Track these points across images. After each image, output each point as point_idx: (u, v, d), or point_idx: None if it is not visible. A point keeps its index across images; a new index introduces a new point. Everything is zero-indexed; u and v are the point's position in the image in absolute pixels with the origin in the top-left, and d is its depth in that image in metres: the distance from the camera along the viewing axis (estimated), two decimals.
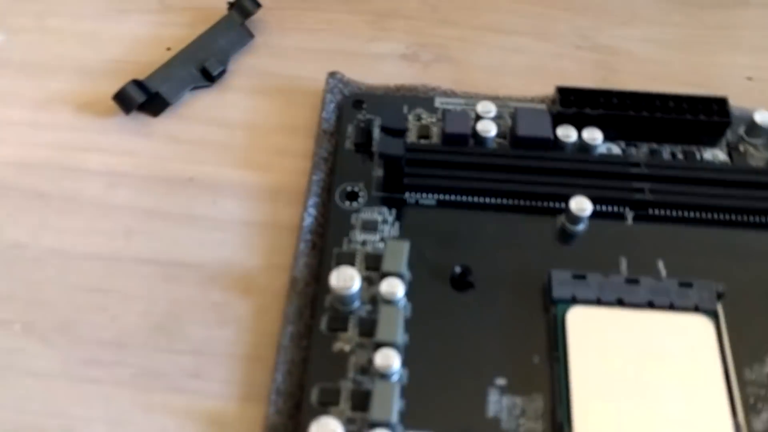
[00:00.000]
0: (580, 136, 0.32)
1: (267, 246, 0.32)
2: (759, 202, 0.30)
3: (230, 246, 0.32)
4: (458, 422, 0.25)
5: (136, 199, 0.34)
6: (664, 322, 0.27)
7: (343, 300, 0.28)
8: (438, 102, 0.35)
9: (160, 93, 0.36)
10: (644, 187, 0.31)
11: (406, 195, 0.32)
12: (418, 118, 0.34)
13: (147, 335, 0.30)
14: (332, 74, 0.36)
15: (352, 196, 0.32)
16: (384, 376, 0.26)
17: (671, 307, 0.27)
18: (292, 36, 0.40)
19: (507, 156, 0.32)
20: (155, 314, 0.30)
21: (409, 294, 0.28)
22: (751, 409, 0.25)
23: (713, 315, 0.27)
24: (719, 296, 0.27)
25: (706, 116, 0.32)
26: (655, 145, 0.33)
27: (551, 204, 0.31)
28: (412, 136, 0.34)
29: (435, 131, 0.34)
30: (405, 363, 0.27)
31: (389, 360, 0.26)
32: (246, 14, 0.39)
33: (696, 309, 0.27)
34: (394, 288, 0.27)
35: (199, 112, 0.37)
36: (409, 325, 0.28)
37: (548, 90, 0.37)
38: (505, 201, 0.31)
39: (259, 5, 0.39)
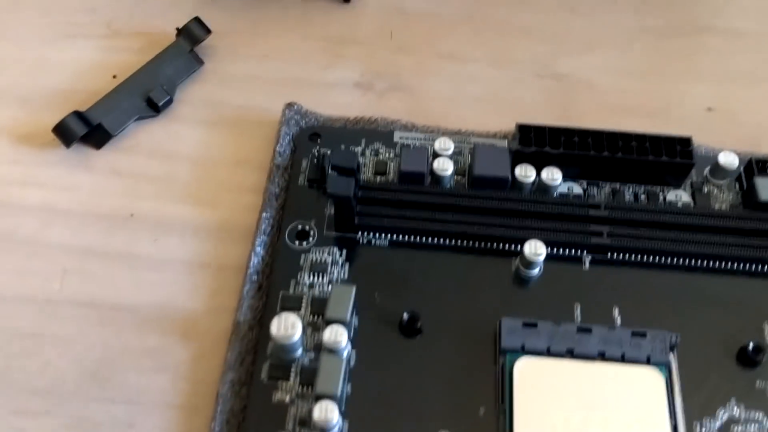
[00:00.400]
0: (539, 175, 0.31)
1: (210, 287, 0.31)
2: (719, 248, 0.29)
3: (171, 287, 0.31)
4: None
5: (74, 238, 0.32)
6: (614, 374, 0.26)
7: (285, 348, 0.27)
8: (397, 136, 0.34)
9: (103, 125, 0.35)
10: (603, 231, 0.30)
11: (358, 235, 0.30)
12: (376, 153, 0.33)
13: (80, 383, 0.28)
14: (289, 105, 0.35)
15: (303, 235, 0.30)
16: (323, 429, 0.25)
17: (622, 358, 0.26)
18: (243, 62, 0.39)
19: (463, 196, 0.31)
20: (89, 360, 0.29)
21: (354, 341, 0.27)
22: None
23: (665, 367, 0.26)
24: (673, 347, 0.27)
25: (669, 157, 0.31)
26: (617, 185, 0.32)
27: (507, 246, 0.30)
28: (368, 172, 0.33)
29: (392, 167, 0.33)
30: (346, 415, 0.25)
31: (328, 414, 0.25)
32: (195, 41, 0.38)
33: (648, 361, 0.26)
34: (337, 336, 0.26)
35: (143, 144, 0.35)
36: (353, 374, 0.27)
37: (507, 120, 0.36)
38: (459, 243, 0.30)
39: (208, 31, 0.38)
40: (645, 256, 0.30)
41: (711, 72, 0.38)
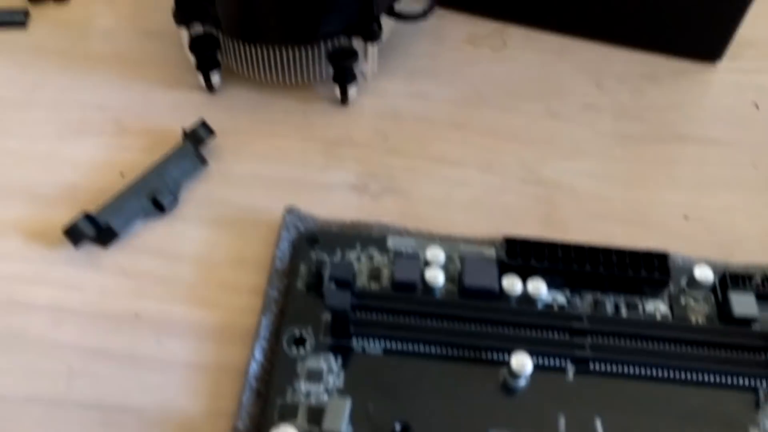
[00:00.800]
0: (525, 286, 0.33)
1: (210, 391, 0.32)
2: (697, 361, 0.31)
3: (173, 390, 0.32)
4: None
5: (81, 338, 0.34)
6: None
7: None
8: (390, 242, 0.36)
9: (111, 225, 0.36)
10: (585, 343, 0.32)
11: (353, 342, 0.32)
12: (371, 259, 0.35)
13: None
14: (289, 210, 0.37)
15: (300, 342, 0.32)
16: None
17: None
18: (245, 163, 0.41)
19: (453, 306, 0.33)
20: None
21: None
22: None
23: None
24: None
25: (648, 272, 0.33)
26: (599, 295, 0.34)
27: (495, 356, 0.32)
28: (363, 278, 0.34)
29: (386, 273, 0.35)
30: None
31: None
32: (200, 142, 0.40)
33: None
34: None
35: (149, 244, 0.37)
36: None
37: (494, 225, 0.38)
38: (450, 351, 0.32)
39: (212, 133, 0.40)
40: (626, 368, 0.31)
41: (687, 179, 0.41)
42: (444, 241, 0.36)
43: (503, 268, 0.34)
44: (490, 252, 0.36)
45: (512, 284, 0.33)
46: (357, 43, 0.41)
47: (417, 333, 0.32)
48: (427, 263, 0.34)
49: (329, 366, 0.31)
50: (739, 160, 0.42)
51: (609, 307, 0.34)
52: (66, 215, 0.37)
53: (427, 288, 0.34)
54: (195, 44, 0.41)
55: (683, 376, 0.32)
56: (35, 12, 0.48)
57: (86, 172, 0.40)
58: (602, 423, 0.30)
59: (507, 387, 0.31)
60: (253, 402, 0.31)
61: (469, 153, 0.42)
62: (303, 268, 0.34)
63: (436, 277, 0.33)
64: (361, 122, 0.43)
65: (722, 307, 0.34)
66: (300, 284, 0.34)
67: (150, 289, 0.35)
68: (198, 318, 0.35)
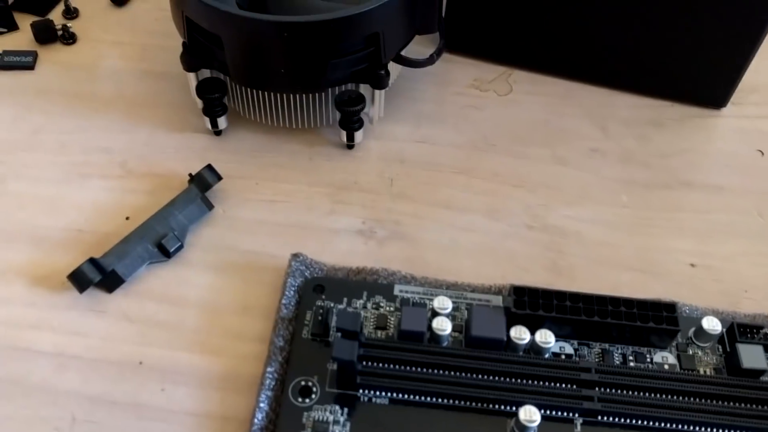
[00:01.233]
0: (533, 335, 0.33)
1: None
2: (705, 414, 0.31)
3: None
4: None
5: (84, 385, 0.33)
6: None
7: None
8: (397, 290, 0.35)
9: (116, 271, 0.36)
10: (594, 396, 0.31)
11: (360, 392, 0.32)
12: (377, 307, 0.35)
13: None
14: (295, 256, 0.37)
15: (306, 392, 0.32)
16: None
17: None
18: (251, 207, 0.41)
19: (461, 356, 0.32)
20: None
21: None
22: None
23: None
24: None
25: (656, 323, 0.33)
26: (606, 345, 0.34)
27: (502, 407, 0.31)
28: (369, 326, 0.34)
29: (392, 321, 0.34)
30: None
31: None
32: (206, 187, 0.40)
33: None
34: None
35: (153, 289, 0.37)
36: None
37: (500, 272, 0.38)
38: (457, 402, 0.32)
39: (219, 178, 0.40)
40: (634, 420, 0.31)
41: (693, 227, 0.41)
42: (451, 288, 0.36)
43: (511, 318, 0.34)
44: (497, 300, 0.35)
45: (520, 334, 0.33)
46: (364, 89, 0.41)
47: (424, 383, 0.32)
48: (434, 312, 0.34)
49: (335, 416, 0.31)
50: (745, 207, 0.42)
51: (617, 358, 0.34)
52: (70, 259, 0.37)
53: (434, 337, 0.33)
54: (202, 88, 0.41)
55: (692, 428, 0.31)
56: (43, 53, 0.48)
57: (91, 216, 0.40)
58: None
59: None
60: None
61: (475, 198, 0.41)
62: (309, 316, 0.34)
63: (444, 326, 0.33)
64: (367, 166, 0.43)
65: (730, 358, 0.34)
66: (306, 333, 0.34)
67: (154, 336, 0.35)
68: (203, 366, 0.34)
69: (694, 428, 0.31)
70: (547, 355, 0.34)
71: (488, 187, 0.42)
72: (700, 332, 0.34)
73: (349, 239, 0.39)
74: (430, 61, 0.43)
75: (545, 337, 0.33)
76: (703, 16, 0.42)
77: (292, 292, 0.35)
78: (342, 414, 0.31)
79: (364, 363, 0.32)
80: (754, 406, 0.32)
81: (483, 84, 0.47)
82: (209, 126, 0.43)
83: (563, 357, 0.34)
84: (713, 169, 0.43)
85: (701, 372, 0.34)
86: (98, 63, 0.48)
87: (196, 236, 0.39)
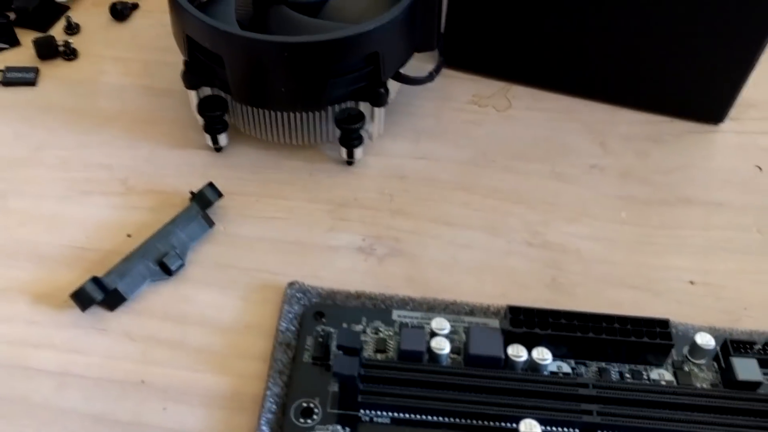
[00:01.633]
0: (530, 353, 0.33)
1: None
2: (704, 426, 0.31)
3: None
4: None
5: (86, 404, 0.34)
6: None
7: None
8: (395, 314, 0.36)
9: (118, 289, 0.36)
10: (592, 410, 0.32)
11: (361, 412, 0.32)
12: (376, 332, 0.35)
13: None
14: (291, 285, 0.37)
15: (307, 413, 0.32)
16: None
17: None
18: (251, 224, 0.41)
19: (460, 375, 0.32)
20: None
21: None
22: None
23: None
24: None
25: (650, 338, 0.33)
26: (603, 364, 0.34)
27: (502, 424, 0.32)
28: (369, 350, 0.34)
29: (392, 345, 0.35)
30: None
31: None
32: (207, 204, 0.40)
33: None
34: None
35: (155, 307, 0.37)
36: None
37: (499, 289, 0.38)
38: (457, 420, 0.32)
39: (220, 195, 0.40)
40: None
41: (693, 244, 0.41)
42: (449, 310, 0.36)
43: (508, 337, 0.34)
44: (495, 322, 0.36)
45: (517, 352, 0.33)
46: (364, 106, 0.41)
47: (425, 401, 0.32)
48: (432, 333, 0.34)
49: None
50: (744, 224, 0.42)
51: (614, 375, 0.34)
52: (73, 276, 0.38)
53: (433, 357, 0.33)
54: (203, 106, 0.41)
55: None
56: (45, 69, 0.48)
57: (93, 233, 0.40)
58: None
59: None
60: None
61: (475, 215, 0.42)
62: (309, 341, 0.34)
63: (442, 346, 0.33)
64: (366, 182, 0.43)
65: (726, 373, 0.34)
66: (307, 356, 0.34)
67: (156, 354, 0.35)
68: (205, 384, 0.34)
69: None
70: (545, 373, 0.34)
71: (488, 204, 0.42)
72: (695, 348, 0.35)
73: (350, 256, 0.40)
74: (430, 78, 0.43)
75: (542, 355, 0.33)
76: (702, 33, 0.43)
77: (289, 318, 0.36)
78: None
79: (365, 384, 0.32)
80: (751, 418, 0.32)
81: (482, 99, 0.48)
82: (210, 143, 0.43)
83: (561, 375, 0.34)
84: (712, 185, 0.44)
85: (698, 386, 0.34)
86: (99, 79, 0.48)
87: (197, 254, 0.39)
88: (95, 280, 0.36)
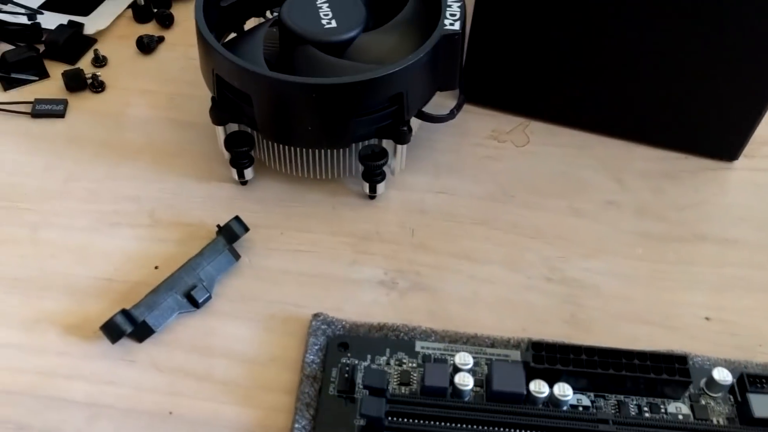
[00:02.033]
0: (551, 388, 0.34)
1: None
2: None
3: None
4: None
5: None
6: None
7: None
8: (419, 346, 0.36)
9: (147, 322, 0.37)
10: None
11: None
12: (400, 363, 0.36)
13: None
14: (316, 316, 0.38)
15: None
16: None
17: None
18: (276, 257, 0.42)
19: (482, 410, 0.33)
20: None
21: None
22: None
23: None
24: None
25: (668, 375, 0.34)
26: (622, 397, 0.35)
27: None
28: (393, 382, 0.35)
29: (415, 377, 0.35)
30: None
31: None
32: (234, 238, 0.41)
33: None
34: None
35: (183, 339, 0.38)
36: None
37: (520, 323, 0.39)
38: None
39: (246, 229, 0.41)
40: None
41: (708, 280, 0.42)
42: (471, 342, 0.37)
43: (530, 372, 0.35)
44: (516, 355, 0.36)
45: (539, 388, 0.34)
46: (387, 143, 0.42)
47: None
48: (456, 368, 0.35)
49: None
50: (759, 261, 0.43)
51: (632, 409, 0.35)
52: (102, 308, 0.39)
53: (457, 392, 0.34)
54: (230, 142, 0.42)
55: None
56: (73, 101, 0.49)
57: (121, 265, 0.41)
58: None
59: None
60: None
61: (495, 250, 0.42)
62: (335, 373, 0.35)
63: (466, 381, 0.34)
64: (388, 216, 0.44)
65: (742, 408, 0.35)
66: (332, 389, 0.35)
67: (183, 386, 0.36)
68: (231, 417, 0.35)
69: None
70: (565, 408, 0.35)
71: (507, 239, 0.43)
72: (712, 383, 0.35)
73: (372, 290, 0.40)
74: (451, 116, 0.44)
75: (563, 391, 0.34)
76: (716, 71, 0.44)
77: (315, 350, 0.36)
78: None
79: (390, 419, 0.33)
80: None
81: (501, 135, 0.48)
82: (236, 177, 0.44)
83: (580, 409, 0.35)
84: (727, 222, 0.44)
85: (714, 422, 0.35)
86: (126, 111, 0.49)
87: (224, 286, 0.40)
88: (125, 313, 0.37)
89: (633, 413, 0.35)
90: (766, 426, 0.34)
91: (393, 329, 0.37)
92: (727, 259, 0.43)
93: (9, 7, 0.53)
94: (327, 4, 0.42)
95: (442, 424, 0.33)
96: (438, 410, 0.33)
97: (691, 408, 0.35)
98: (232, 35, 0.46)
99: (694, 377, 0.35)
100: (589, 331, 0.39)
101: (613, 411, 0.35)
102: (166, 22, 0.55)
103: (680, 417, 0.35)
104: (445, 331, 0.38)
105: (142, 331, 0.37)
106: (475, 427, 0.33)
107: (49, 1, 0.55)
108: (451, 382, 0.34)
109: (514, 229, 0.44)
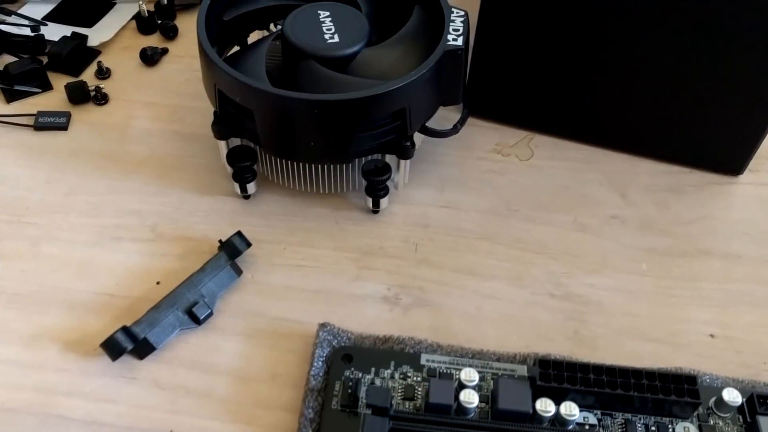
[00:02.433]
0: (557, 406, 0.34)
1: None
2: None
3: None
4: None
5: None
6: None
7: None
8: (424, 359, 0.36)
9: (148, 339, 0.37)
10: None
11: None
12: (405, 377, 0.35)
13: None
14: (323, 326, 0.37)
15: None
16: None
17: None
18: (278, 272, 0.41)
19: (488, 429, 0.33)
20: None
21: None
22: None
23: None
24: None
25: (677, 395, 0.34)
26: (629, 416, 0.35)
27: None
28: (397, 397, 0.35)
29: (420, 391, 0.35)
30: None
31: None
32: (236, 254, 0.40)
33: None
34: None
35: (183, 356, 0.38)
36: None
37: (524, 342, 0.39)
38: None
39: (249, 245, 0.41)
40: None
41: (713, 296, 0.41)
42: (476, 357, 0.37)
43: (536, 390, 0.34)
44: (522, 370, 0.36)
45: (545, 406, 0.34)
46: (390, 158, 0.42)
47: None
48: (461, 384, 0.35)
49: None
50: (764, 277, 0.42)
51: (639, 428, 0.35)
52: (102, 324, 0.38)
53: (462, 409, 0.34)
54: (233, 157, 0.42)
55: None
56: (76, 113, 0.49)
57: (123, 280, 0.41)
58: None
59: None
60: None
61: (499, 265, 0.42)
62: (338, 386, 0.35)
63: (471, 399, 0.34)
64: (391, 231, 0.44)
65: (750, 429, 0.35)
66: (335, 403, 0.34)
67: (185, 404, 0.36)
68: None
69: None
70: (571, 427, 0.34)
71: (511, 254, 0.43)
72: (721, 403, 0.35)
73: (375, 306, 0.40)
74: (455, 130, 0.44)
75: (570, 410, 0.34)
76: (722, 86, 0.43)
77: (320, 363, 0.36)
78: None
79: None
80: None
81: (505, 149, 0.48)
82: (238, 191, 0.44)
83: (587, 427, 0.35)
84: (732, 237, 0.44)
85: None
86: (130, 123, 0.49)
87: (225, 302, 0.40)
88: (125, 330, 0.37)
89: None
90: None
91: (398, 342, 0.37)
92: (732, 274, 0.42)
93: (13, 18, 0.53)
94: (330, 19, 0.41)
95: None
96: (442, 428, 0.33)
97: (700, 428, 0.35)
98: (236, 48, 0.45)
99: (703, 397, 0.35)
100: (593, 348, 0.39)
101: (620, 430, 0.34)
102: (170, 33, 0.54)
103: None
104: (450, 346, 0.37)
105: (143, 348, 0.37)
106: None
107: (52, 12, 0.55)
108: (456, 398, 0.34)
109: (518, 244, 0.43)
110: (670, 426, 0.35)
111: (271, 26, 0.46)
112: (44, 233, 0.43)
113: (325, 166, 0.42)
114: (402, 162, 0.42)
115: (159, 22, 0.55)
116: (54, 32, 0.53)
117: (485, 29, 0.45)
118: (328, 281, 0.41)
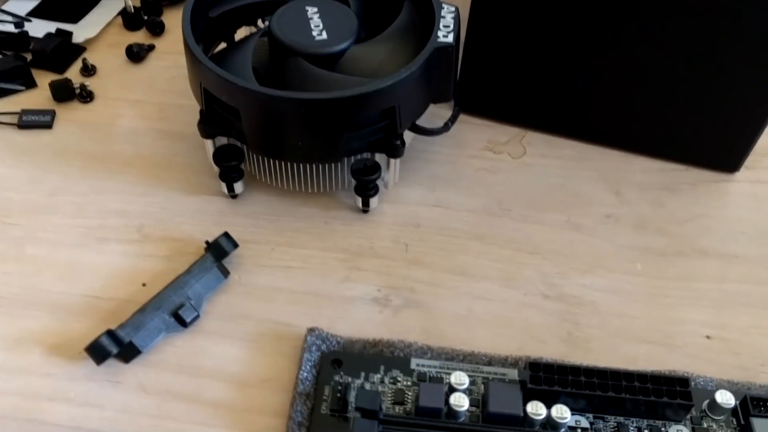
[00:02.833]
0: (548, 410, 0.33)
1: None
2: None
3: None
4: None
5: None
6: None
7: None
8: (414, 363, 0.36)
9: (134, 342, 0.36)
10: None
11: None
12: (394, 381, 0.35)
13: None
14: (311, 330, 0.37)
15: None
16: None
17: None
18: (267, 273, 0.41)
19: None
20: None
21: None
22: None
23: None
24: None
25: (670, 398, 0.33)
26: (622, 419, 0.34)
27: None
28: (387, 401, 0.34)
29: (410, 396, 0.34)
30: None
31: None
32: (223, 255, 0.40)
33: None
34: None
35: (170, 359, 0.37)
36: None
37: (516, 344, 0.38)
38: None
39: (235, 245, 0.40)
40: None
41: (708, 297, 0.41)
42: (467, 360, 0.36)
43: (527, 393, 0.34)
44: (513, 374, 0.36)
45: (536, 410, 0.33)
46: (380, 156, 0.41)
47: None
48: (451, 388, 0.34)
49: None
50: (760, 277, 0.42)
51: (632, 430, 0.34)
52: (87, 327, 0.38)
53: (452, 413, 0.33)
54: (219, 156, 0.41)
55: None
56: (61, 111, 0.48)
57: (108, 281, 0.40)
58: None
59: None
60: None
61: (491, 265, 0.42)
62: (327, 391, 0.34)
63: (461, 402, 0.33)
64: (382, 231, 0.43)
65: (744, 430, 0.34)
66: (324, 408, 0.34)
67: (171, 408, 0.35)
68: None
69: None
70: (563, 430, 0.34)
71: (503, 254, 0.42)
72: (714, 405, 0.34)
73: (365, 308, 0.40)
74: (445, 129, 0.43)
75: (561, 413, 0.33)
76: (717, 82, 0.43)
77: (308, 367, 0.36)
78: None
79: None
80: None
81: (497, 146, 0.48)
82: (225, 190, 0.43)
83: (579, 430, 0.34)
84: (728, 236, 0.44)
85: None
86: (115, 122, 0.48)
87: (212, 304, 0.39)
88: (110, 334, 0.36)
89: None
90: None
91: (388, 345, 0.36)
92: (728, 274, 0.42)
93: None
94: (318, 15, 0.41)
95: None
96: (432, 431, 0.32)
97: (693, 431, 0.34)
98: (222, 45, 0.45)
99: (696, 399, 0.34)
100: (587, 350, 0.38)
101: None
102: (157, 29, 0.54)
103: None
104: (441, 348, 0.37)
105: (128, 352, 0.36)
106: None
107: (37, 8, 0.54)
108: (446, 402, 0.34)
109: (511, 244, 0.43)
110: (663, 429, 0.34)
111: (259, 22, 0.45)
112: (28, 234, 0.42)
113: (314, 165, 0.41)
114: (392, 161, 0.42)
115: (145, 18, 0.54)
116: (38, 29, 0.52)
117: (476, 24, 0.44)
118: (317, 282, 0.40)
